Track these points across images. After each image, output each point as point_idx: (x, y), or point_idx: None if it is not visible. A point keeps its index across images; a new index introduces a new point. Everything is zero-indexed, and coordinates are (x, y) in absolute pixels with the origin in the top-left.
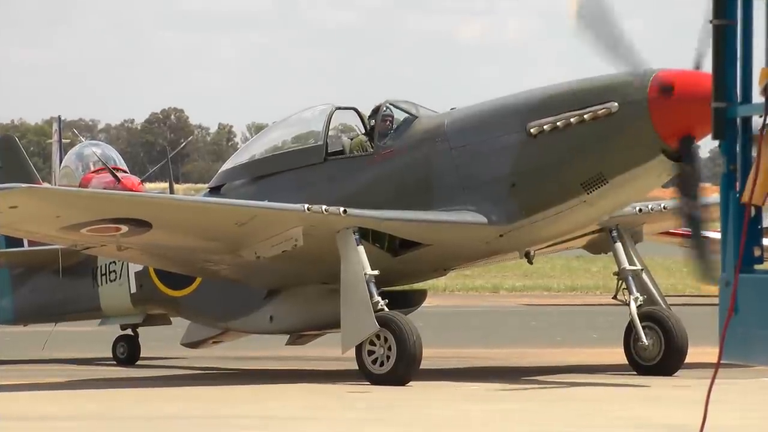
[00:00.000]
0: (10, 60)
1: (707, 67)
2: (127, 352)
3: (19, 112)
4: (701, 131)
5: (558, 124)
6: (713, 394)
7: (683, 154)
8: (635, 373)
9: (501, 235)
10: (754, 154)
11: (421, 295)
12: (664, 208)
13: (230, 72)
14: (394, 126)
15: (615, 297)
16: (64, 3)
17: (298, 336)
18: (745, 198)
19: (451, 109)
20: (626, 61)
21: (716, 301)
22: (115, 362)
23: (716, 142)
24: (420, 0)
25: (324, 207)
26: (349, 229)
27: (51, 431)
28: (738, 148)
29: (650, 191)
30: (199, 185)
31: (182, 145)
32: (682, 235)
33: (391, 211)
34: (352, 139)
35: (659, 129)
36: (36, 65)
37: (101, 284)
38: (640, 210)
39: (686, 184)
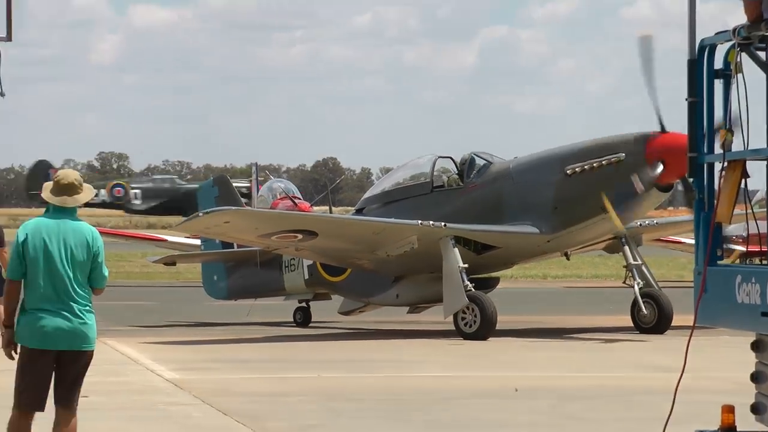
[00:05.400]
0: (220, 124)
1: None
2: (303, 317)
3: (230, 160)
4: (682, 173)
5: (586, 167)
6: (690, 345)
7: (685, 186)
8: (638, 332)
9: (548, 241)
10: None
11: (496, 280)
12: (656, 223)
13: (368, 132)
14: (477, 169)
15: (624, 282)
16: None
17: (415, 307)
18: (718, 218)
19: (515, 157)
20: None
21: (692, 284)
22: (294, 324)
23: (690, 179)
24: (492, 85)
25: (431, 222)
26: (448, 237)
27: (251, 371)
28: (705, 184)
29: (648, 212)
30: (349, 208)
31: (337, 182)
32: (669, 241)
33: (476, 225)
34: (449, 177)
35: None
36: (238, 128)
37: (285, 273)
38: (641, 224)
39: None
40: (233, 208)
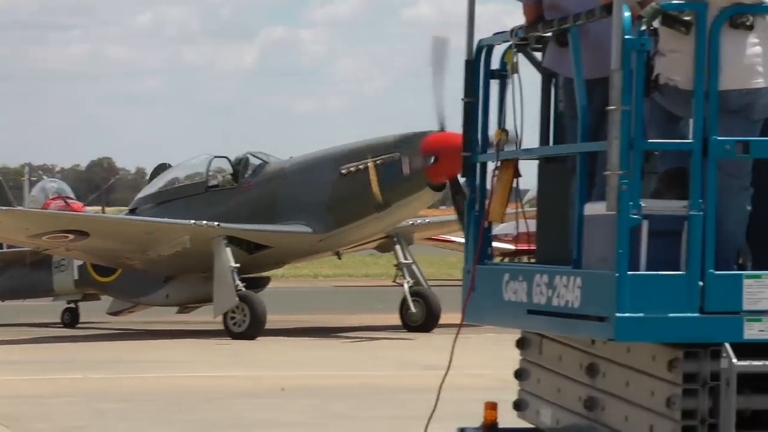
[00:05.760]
0: None
1: (451, 127)
2: (71, 318)
3: (2, 160)
4: (455, 172)
5: (360, 167)
6: (457, 343)
7: (454, 188)
8: (406, 330)
9: (321, 240)
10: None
11: (267, 280)
12: (428, 222)
13: (145, 132)
14: (252, 169)
15: (394, 281)
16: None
17: (184, 307)
18: (490, 217)
19: (291, 157)
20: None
21: (461, 283)
22: (62, 325)
23: (464, 179)
24: (272, 85)
25: (204, 222)
26: (220, 236)
27: (15, 372)
28: (478, 183)
29: (420, 211)
30: (123, 208)
31: (111, 182)
32: (440, 240)
33: (249, 225)
34: (223, 177)
35: (426, 172)
36: (11, 128)
37: (54, 273)
38: (413, 223)
39: (460, 205)
40: (2, 208)
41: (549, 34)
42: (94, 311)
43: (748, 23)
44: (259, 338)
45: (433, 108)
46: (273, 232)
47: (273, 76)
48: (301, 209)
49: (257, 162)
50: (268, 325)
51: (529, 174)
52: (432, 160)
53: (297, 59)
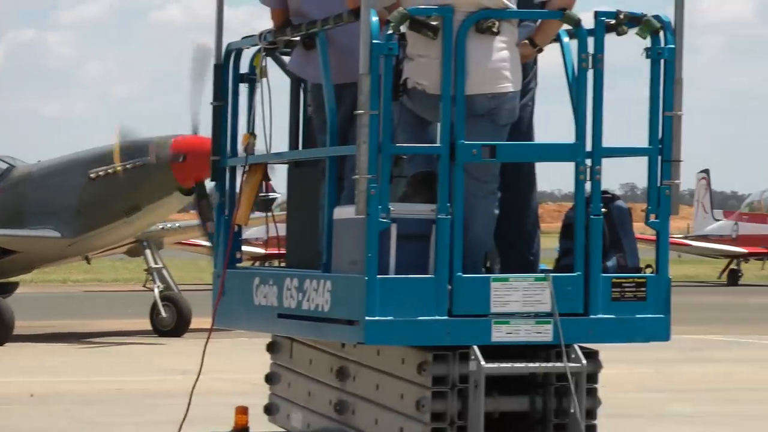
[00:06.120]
0: None
1: (203, 131)
2: None
3: None
4: (204, 175)
5: (109, 170)
6: (208, 347)
7: (199, 192)
8: (157, 335)
9: (70, 245)
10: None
11: (15, 285)
12: (179, 226)
13: None
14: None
15: (144, 285)
16: None
17: None
18: (237, 220)
19: (38, 161)
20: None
21: (211, 287)
22: None
23: (213, 183)
24: (17, 88)
25: None
26: None
27: None
28: (227, 187)
29: (170, 215)
30: None
31: None
32: (190, 244)
33: None
34: None
35: (176, 176)
36: None
37: None
38: (163, 228)
39: (204, 209)
40: None
41: (297, 38)
42: None
43: (494, 28)
44: (7, 344)
45: (189, 114)
46: (20, 237)
47: (19, 78)
48: (50, 214)
49: (4, 166)
50: (16, 331)
51: (279, 178)
52: (181, 163)
53: (44, 61)
